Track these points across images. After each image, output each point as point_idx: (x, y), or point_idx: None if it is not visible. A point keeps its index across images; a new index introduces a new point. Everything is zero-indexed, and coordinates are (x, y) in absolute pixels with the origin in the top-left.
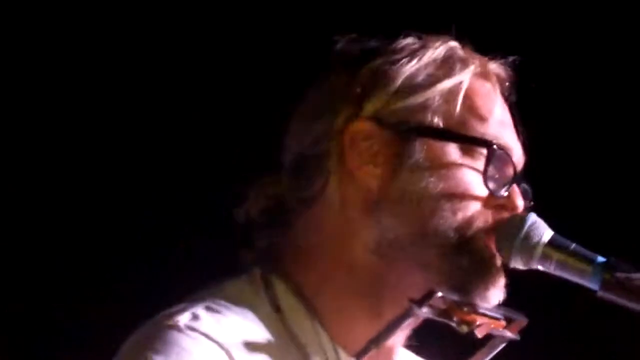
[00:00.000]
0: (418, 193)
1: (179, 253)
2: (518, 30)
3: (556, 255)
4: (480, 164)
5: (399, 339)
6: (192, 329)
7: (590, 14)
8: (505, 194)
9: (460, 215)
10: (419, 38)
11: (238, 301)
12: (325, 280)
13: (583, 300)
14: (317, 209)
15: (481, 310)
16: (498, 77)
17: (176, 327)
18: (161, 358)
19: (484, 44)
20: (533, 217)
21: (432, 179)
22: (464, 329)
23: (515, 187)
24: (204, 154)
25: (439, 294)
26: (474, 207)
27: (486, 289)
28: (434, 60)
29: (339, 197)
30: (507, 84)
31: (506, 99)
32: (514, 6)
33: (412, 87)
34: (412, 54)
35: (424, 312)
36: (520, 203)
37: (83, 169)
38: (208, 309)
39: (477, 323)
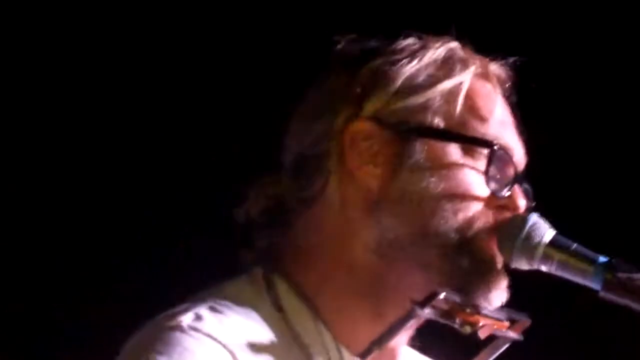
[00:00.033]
0: (418, 193)
1: (179, 253)
2: (518, 30)
3: (557, 255)
4: (481, 164)
5: (402, 339)
6: (195, 330)
7: (590, 14)
8: (507, 194)
9: (461, 216)
10: (419, 38)
11: (240, 301)
12: (326, 280)
13: (584, 300)
14: (317, 209)
15: (484, 312)
16: (498, 77)
17: (179, 328)
18: (164, 359)
19: (484, 45)
20: (534, 217)
21: (432, 179)
22: (467, 330)
23: (516, 187)
24: (204, 154)
25: (442, 295)
26: (475, 207)
27: (488, 290)
28: (435, 61)
29: (339, 197)
30: (507, 84)
31: (507, 100)
32: (514, 6)
33: (413, 87)
34: (413, 55)
35: (427, 313)
36: (521, 203)
37: (83, 169)
38: (211, 309)
39: (480, 324)
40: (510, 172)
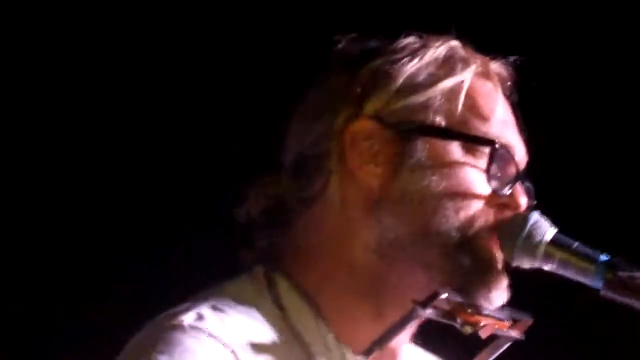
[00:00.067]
0: (419, 192)
1: (179, 253)
2: (518, 30)
3: (559, 254)
4: (482, 162)
5: (403, 337)
6: (197, 329)
7: (591, 14)
8: (508, 192)
9: (462, 214)
10: (420, 38)
11: (241, 300)
12: (326, 280)
13: (584, 300)
14: (317, 209)
15: (485, 312)
16: (499, 76)
17: (180, 327)
18: (165, 358)
19: (484, 44)
20: (536, 216)
21: (434, 178)
22: (468, 330)
23: (518, 185)
24: (204, 154)
25: (443, 295)
26: (477, 206)
27: (488, 290)
28: (435, 60)
29: (339, 197)
30: (508, 83)
31: (507, 98)
32: (514, 6)
33: (413, 86)
34: (413, 54)
35: (428, 313)
36: (523, 201)
37: (83, 169)
38: (212, 308)
39: (481, 324)
40: (512, 170)
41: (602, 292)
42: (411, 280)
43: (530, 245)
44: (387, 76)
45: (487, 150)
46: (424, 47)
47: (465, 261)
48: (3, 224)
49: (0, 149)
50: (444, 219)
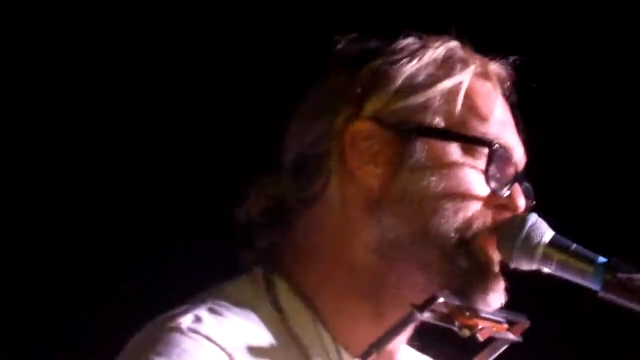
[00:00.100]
0: (419, 193)
1: (179, 253)
2: (518, 30)
3: (557, 255)
4: (481, 163)
5: (400, 339)
6: (195, 332)
7: (590, 14)
8: (507, 193)
9: (461, 215)
10: (419, 38)
11: (240, 302)
12: (326, 280)
13: (584, 300)
14: (317, 209)
15: (483, 314)
16: (498, 77)
17: (178, 330)
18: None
19: (484, 44)
20: (534, 218)
21: (433, 179)
22: (466, 333)
23: (516, 186)
24: (204, 154)
25: (441, 299)
26: (475, 206)
27: (486, 292)
28: (434, 60)
29: (339, 197)
30: (507, 83)
31: (506, 99)
32: (514, 6)
33: (413, 87)
34: (412, 54)
35: (426, 316)
36: (521, 202)
37: (83, 169)
38: (210, 310)
39: (479, 327)
40: (510, 171)
41: (601, 294)
42: (411, 281)
43: (528, 246)
44: (387, 77)
45: (485, 150)
46: (423, 47)
47: (463, 263)
48: (3, 224)
49: (0, 149)
50: (443, 220)
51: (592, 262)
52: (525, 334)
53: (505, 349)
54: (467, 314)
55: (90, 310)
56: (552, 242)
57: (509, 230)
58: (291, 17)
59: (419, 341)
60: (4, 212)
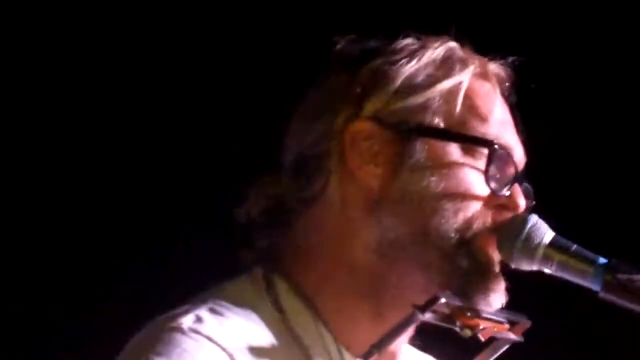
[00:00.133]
0: (419, 193)
1: (179, 253)
2: (518, 30)
3: (557, 256)
4: (481, 163)
5: (402, 339)
6: (195, 332)
7: (590, 14)
8: (507, 193)
9: (461, 216)
10: (419, 38)
11: (240, 302)
12: (326, 280)
13: (583, 300)
14: (317, 209)
15: (484, 315)
16: (498, 77)
17: (179, 330)
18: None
19: (483, 44)
20: (534, 218)
21: (433, 179)
22: (467, 333)
23: (516, 186)
24: (204, 154)
25: (442, 299)
26: (475, 207)
27: (487, 292)
28: (434, 61)
29: (339, 197)
30: (506, 84)
31: (506, 99)
32: (514, 6)
33: (412, 87)
34: (412, 55)
35: (427, 317)
36: (521, 202)
37: (83, 169)
38: (211, 311)
39: (480, 327)
40: (510, 171)
41: (601, 295)
42: (411, 281)
43: (528, 247)
44: (386, 77)
45: (485, 151)
46: (423, 48)
47: (463, 263)
48: (3, 224)
49: (0, 149)
50: (443, 220)
51: (592, 262)
52: (525, 334)
53: (506, 349)
54: (469, 314)
55: (90, 310)
56: (552, 243)
57: (509, 231)
58: (291, 17)
59: (420, 341)
60: (4, 212)
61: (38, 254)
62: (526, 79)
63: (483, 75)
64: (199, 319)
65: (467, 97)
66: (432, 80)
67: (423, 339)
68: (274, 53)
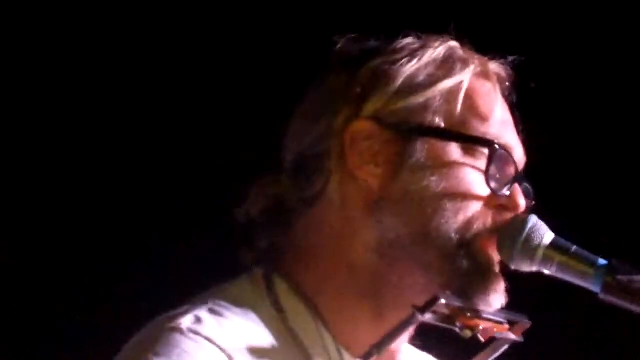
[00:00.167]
0: (419, 193)
1: (179, 253)
2: (518, 30)
3: (557, 257)
4: (481, 163)
5: (402, 339)
6: (195, 332)
7: (591, 14)
8: (507, 193)
9: (461, 216)
10: (419, 38)
11: (240, 303)
12: (326, 280)
13: (583, 301)
14: (317, 209)
15: (484, 315)
16: (498, 76)
17: (178, 330)
18: None
19: (484, 44)
20: (534, 219)
21: (433, 179)
22: (467, 334)
23: (516, 186)
24: (204, 154)
25: (442, 300)
26: (476, 207)
27: (487, 293)
28: (434, 60)
29: (339, 197)
30: (507, 83)
31: (506, 99)
32: (514, 6)
33: (413, 87)
34: (412, 54)
35: (427, 318)
36: (522, 202)
37: (83, 170)
38: (210, 311)
39: (480, 328)
40: (511, 171)
41: (601, 296)
42: (412, 281)
43: (529, 248)
44: (387, 77)
45: (486, 151)
46: (423, 47)
47: (463, 264)
48: (3, 224)
49: (0, 149)
50: (444, 220)
51: (592, 264)
52: (525, 334)
53: (506, 349)
54: (469, 314)
55: (90, 310)
56: (552, 244)
57: (509, 232)
58: (291, 17)
59: (420, 341)
60: (4, 212)
61: (38, 253)
62: (526, 78)
63: (484, 74)
64: (198, 320)
65: (468, 96)
66: (433, 80)
67: (423, 339)
68: (274, 53)
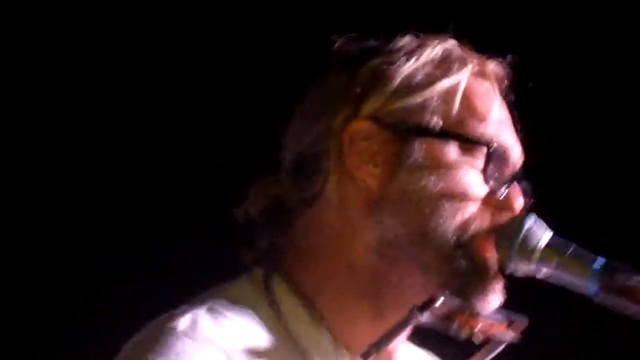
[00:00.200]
0: (417, 193)
1: (179, 253)
2: (516, 29)
3: (555, 258)
4: (479, 163)
5: (400, 339)
6: (193, 332)
7: (590, 14)
8: (505, 193)
9: (459, 216)
10: (417, 37)
11: (239, 303)
12: (326, 280)
13: (583, 300)
14: (317, 209)
15: (481, 315)
16: (496, 76)
17: (177, 330)
18: None
19: (482, 43)
20: (531, 220)
21: (431, 179)
22: (465, 334)
23: (515, 186)
24: (204, 154)
25: (440, 300)
26: (473, 207)
27: (484, 293)
28: (432, 60)
29: (338, 197)
30: (505, 83)
31: (505, 98)
32: (514, 6)
33: (411, 87)
34: (410, 54)
35: (425, 317)
36: (520, 202)
37: (83, 169)
38: (209, 311)
39: (478, 327)
40: (509, 170)
41: (599, 298)
42: (411, 281)
43: (526, 249)
44: (385, 77)
45: (484, 150)
46: (421, 46)
47: (461, 264)
48: (3, 224)
49: (0, 149)
50: (441, 220)
51: (589, 265)
52: (524, 334)
53: (505, 349)
54: (466, 314)
55: (90, 310)
56: (549, 245)
57: (506, 233)
58: (291, 17)
59: (419, 339)
60: (4, 212)
61: (38, 253)
62: (524, 77)
63: (481, 74)
64: (196, 320)
65: (466, 96)
66: (431, 80)
67: (422, 338)
68: (274, 53)
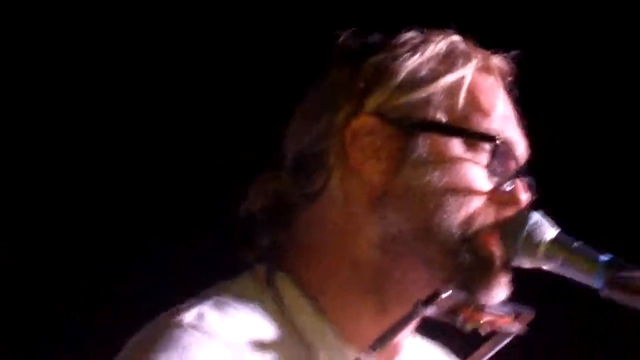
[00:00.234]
0: (421, 188)
1: (179, 253)
2: (520, 24)
3: (559, 253)
4: (483, 158)
5: (405, 333)
6: (197, 328)
7: (591, 10)
8: (509, 188)
9: (463, 211)
10: (421, 32)
11: (243, 299)
12: (329, 276)
13: (588, 293)
14: (319, 205)
15: (487, 308)
16: (500, 71)
17: (180, 326)
18: (163, 357)
19: (487, 39)
20: (537, 215)
21: (435, 174)
22: (470, 327)
23: (519, 181)
24: (204, 154)
25: (445, 294)
26: (478, 202)
27: (489, 287)
28: (436, 55)
29: (342, 193)
30: (509, 78)
31: (509, 93)
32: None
33: (415, 82)
34: (414, 49)
35: (430, 311)
36: (524, 197)
37: (83, 169)
38: (213, 307)
39: (483, 320)
40: (513, 166)
41: (603, 293)
42: (415, 276)
43: (530, 244)
44: (389, 71)
45: (488, 146)
46: (425, 41)
47: (466, 259)
48: (3, 224)
49: (0, 149)
50: (446, 215)
51: (594, 260)
52: (529, 327)
53: (510, 342)
54: (471, 308)
55: (90, 310)
56: (554, 240)
57: (511, 228)
58: (291, 16)
59: (424, 333)
60: (4, 212)
61: (38, 253)
62: (529, 73)
63: (486, 69)
64: (200, 315)
65: (470, 91)
66: (435, 75)
67: (427, 332)
68: (274, 52)
